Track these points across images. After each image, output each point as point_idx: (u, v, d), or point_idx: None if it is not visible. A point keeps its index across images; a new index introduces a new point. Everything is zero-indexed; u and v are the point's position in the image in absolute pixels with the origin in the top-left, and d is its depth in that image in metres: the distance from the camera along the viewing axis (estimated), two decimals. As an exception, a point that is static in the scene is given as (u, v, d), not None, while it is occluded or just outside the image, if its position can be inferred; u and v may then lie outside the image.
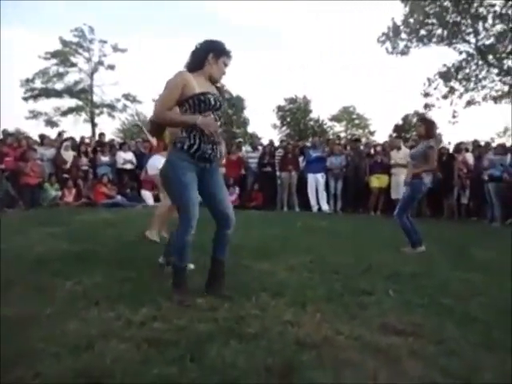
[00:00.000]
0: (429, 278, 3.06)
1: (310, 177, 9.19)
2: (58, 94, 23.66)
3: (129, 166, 9.54)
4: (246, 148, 10.86)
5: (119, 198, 8.92)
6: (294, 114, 37.38)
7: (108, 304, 2.21)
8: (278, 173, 9.43)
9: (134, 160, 9.54)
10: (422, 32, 14.24)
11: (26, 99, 23.17)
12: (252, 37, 52.18)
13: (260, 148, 10.40)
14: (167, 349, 1.71)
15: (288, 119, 38.29)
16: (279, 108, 38.53)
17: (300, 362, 1.64)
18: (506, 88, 14.65)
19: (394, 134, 28.39)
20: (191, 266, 2.97)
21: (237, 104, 38.42)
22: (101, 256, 3.42)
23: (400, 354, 1.74)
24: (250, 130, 37.36)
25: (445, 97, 14.92)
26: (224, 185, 2.54)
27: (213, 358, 1.66)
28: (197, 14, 46.08)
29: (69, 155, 9.22)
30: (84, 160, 9.49)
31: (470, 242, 4.88)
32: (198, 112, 2.30)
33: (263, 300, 2.38)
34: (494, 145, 9.17)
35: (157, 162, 4.26)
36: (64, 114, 24.04)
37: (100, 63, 24.00)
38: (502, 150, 7.93)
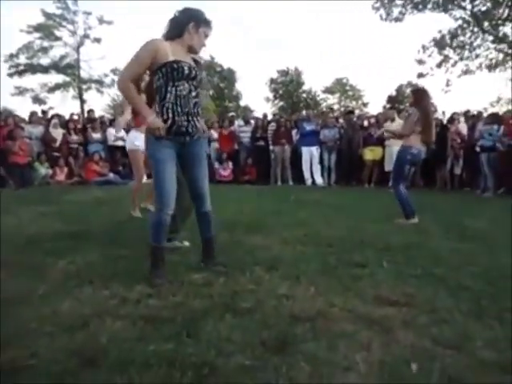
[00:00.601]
0: (422, 249, 3.08)
1: (305, 150, 9.14)
2: (44, 69, 22.91)
3: (120, 143, 9.37)
4: (238, 122, 10.72)
5: (111, 175, 8.85)
6: (287, 87, 36.85)
7: (102, 282, 2.20)
8: (271, 147, 9.37)
9: (126, 136, 9.37)
10: (418, -2, 13.86)
11: (11, 75, 22.45)
12: (242, 10, 50.92)
13: (252, 122, 10.26)
14: (163, 325, 1.72)
15: (280, 92, 37.77)
16: (272, 81, 37.91)
17: (294, 334, 1.66)
18: (501, 56, 14.47)
19: (388, 106, 28.24)
20: (186, 244, 2.97)
21: (228, 77, 37.71)
22: (94, 234, 3.40)
23: (393, 324, 1.77)
24: (242, 103, 36.89)
25: (439, 66, 14.71)
26: (204, 160, 2.42)
27: (209, 333, 1.67)
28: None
29: (58, 133, 9.05)
30: (74, 137, 9.32)
31: (462, 213, 4.92)
32: (171, 80, 2.17)
33: (257, 274, 2.39)
34: (485, 114, 9.13)
35: (133, 138, 4.31)
36: (51, 90, 23.38)
37: (86, 36, 23.13)
38: (492, 119, 7.88)
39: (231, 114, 11.91)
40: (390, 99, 31.69)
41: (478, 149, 7.69)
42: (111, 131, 9.42)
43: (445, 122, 8.72)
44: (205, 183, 2.40)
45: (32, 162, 8.41)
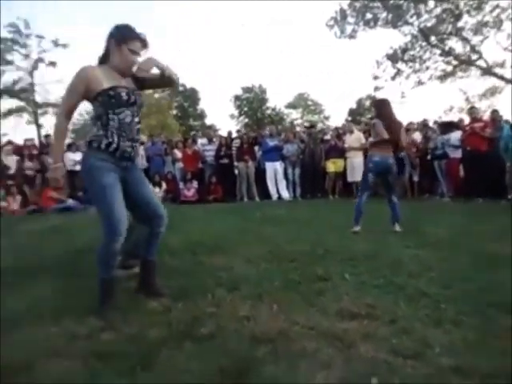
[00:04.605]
0: (383, 258, 3.12)
1: (269, 166, 9.21)
2: (-4, 94, 21.97)
3: (79, 167, 9.07)
4: (201, 141, 10.68)
5: (70, 201, 8.50)
6: (251, 104, 37.39)
7: (52, 318, 2.06)
8: (235, 163, 9.38)
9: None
10: (368, 15, 14.55)
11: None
12: (204, 28, 51.67)
13: (215, 140, 10.26)
14: (116, 361, 1.62)
15: (245, 109, 38.23)
16: (236, 98, 38.35)
17: (254, 358, 1.61)
18: (450, 68, 15.35)
19: (349, 118, 29.17)
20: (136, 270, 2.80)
21: (191, 96, 37.78)
22: (46, 266, 3.20)
23: (354, 338, 1.75)
24: (208, 121, 37.00)
25: (393, 78, 15.40)
26: (147, 182, 2.40)
27: (165, 364, 1.58)
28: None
29: (11, 160, 8.65)
30: (29, 164, 8.93)
31: (422, 219, 5.06)
32: (109, 109, 2.08)
33: (219, 296, 2.33)
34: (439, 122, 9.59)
35: None
36: (4, 116, 22.37)
37: (40, 60, 22.48)
38: (445, 127, 8.34)
39: (193, 132, 11.83)
40: (351, 112, 32.80)
41: (429, 157, 8.08)
42: (69, 156, 9.10)
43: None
44: (159, 202, 2.36)
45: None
